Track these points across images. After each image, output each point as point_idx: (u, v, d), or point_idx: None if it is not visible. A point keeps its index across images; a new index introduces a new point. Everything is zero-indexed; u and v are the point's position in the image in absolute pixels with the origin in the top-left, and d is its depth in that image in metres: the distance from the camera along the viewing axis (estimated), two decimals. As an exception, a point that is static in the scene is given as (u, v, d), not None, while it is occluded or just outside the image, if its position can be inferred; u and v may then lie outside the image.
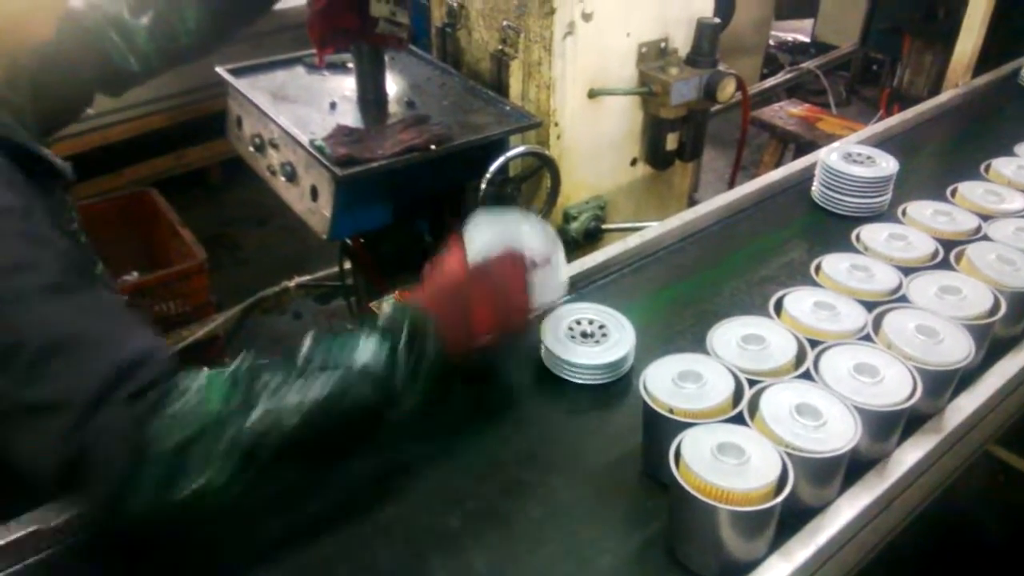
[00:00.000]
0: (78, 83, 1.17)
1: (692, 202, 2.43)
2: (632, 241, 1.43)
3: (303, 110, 1.76)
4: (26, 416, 0.75)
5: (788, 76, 4.21)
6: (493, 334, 0.95)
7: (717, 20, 1.89)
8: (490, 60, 1.87)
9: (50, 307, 0.76)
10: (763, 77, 4.38)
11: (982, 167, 1.57)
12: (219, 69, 1.87)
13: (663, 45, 1.89)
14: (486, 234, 0.99)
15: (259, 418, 0.78)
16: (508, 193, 1.78)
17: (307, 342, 0.86)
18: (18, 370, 0.73)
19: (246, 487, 0.79)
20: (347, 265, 2.30)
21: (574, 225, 1.94)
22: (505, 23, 1.80)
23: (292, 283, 3.04)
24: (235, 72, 1.87)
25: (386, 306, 0.93)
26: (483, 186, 1.67)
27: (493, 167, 1.67)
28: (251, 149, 1.82)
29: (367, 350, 0.86)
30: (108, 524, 0.85)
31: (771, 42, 4.70)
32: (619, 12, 1.78)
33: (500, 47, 1.84)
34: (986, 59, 2.16)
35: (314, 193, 1.63)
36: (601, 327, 1.16)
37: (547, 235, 1.04)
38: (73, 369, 0.75)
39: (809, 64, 4.29)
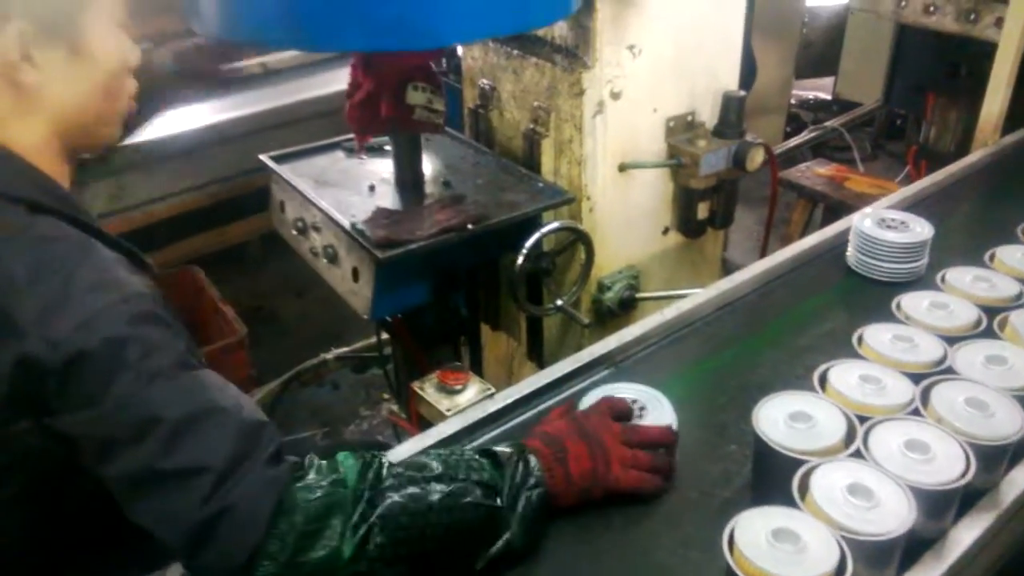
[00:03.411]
0: None
1: (723, 261, 2.43)
2: (669, 312, 1.45)
3: (343, 194, 1.82)
4: (163, 483, 0.79)
5: (812, 135, 4.25)
6: (594, 482, 1.00)
7: (743, 93, 1.94)
8: (522, 139, 1.92)
9: (181, 383, 0.82)
10: (786, 136, 4.42)
11: (1018, 229, 1.57)
12: (263, 156, 1.94)
13: (690, 118, 1.94)
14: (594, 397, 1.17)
15: (387, 505, 0.83)
16: (543, 267, 1.81)
17: (431, 456, 0.92)
18: (156, 442, 0.79)
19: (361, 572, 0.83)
20: (384, 336, 2.33)
21: (608, 295, 1.96)
22: (536, 104, 1.86)
23: (331, 355, 3.08)
24: (277, 159, 1.94)
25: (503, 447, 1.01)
26: (519, 261, 1.71)
27: (529, 243, 1.70)
28: (294, 232, 1.88)
29: (482, 469, 0.93)
30: None
31: (792, 101, 4.76)
32: (646, 89, 1.83)
33: (531, 126, 1.89)
34: (1013, 117, 2.17)
35: (355, 274, 1.68)
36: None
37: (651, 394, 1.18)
38: (207, 436, 0.80)
39: (833, 122, 4.32)
